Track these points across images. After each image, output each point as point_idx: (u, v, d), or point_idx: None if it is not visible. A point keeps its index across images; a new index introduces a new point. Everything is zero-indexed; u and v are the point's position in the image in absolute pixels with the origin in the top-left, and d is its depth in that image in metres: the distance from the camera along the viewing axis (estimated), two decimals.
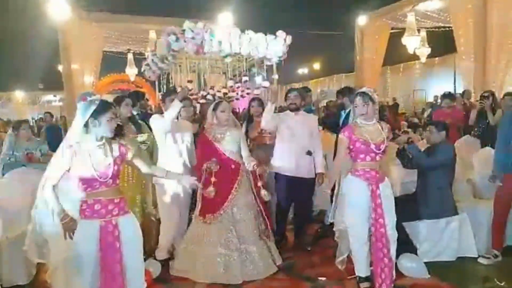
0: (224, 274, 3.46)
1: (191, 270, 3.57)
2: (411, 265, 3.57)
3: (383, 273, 3.19)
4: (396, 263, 3.40)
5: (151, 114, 4.76)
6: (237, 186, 3.65)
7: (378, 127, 3.22)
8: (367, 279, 3.34)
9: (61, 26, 10.16)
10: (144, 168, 2.76)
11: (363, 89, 3.29)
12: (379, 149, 3.17)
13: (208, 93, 4.82)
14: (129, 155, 2.62)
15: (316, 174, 4.18)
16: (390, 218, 3.20)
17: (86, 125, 2.45)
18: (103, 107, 2.45)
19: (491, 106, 5.78)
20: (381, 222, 3.16)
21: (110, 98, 4.54)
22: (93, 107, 2.42)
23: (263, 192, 3.62)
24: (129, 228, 2.53)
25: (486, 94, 5.90)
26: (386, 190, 3.24)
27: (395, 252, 3.27)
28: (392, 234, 3.21)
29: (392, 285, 3.22)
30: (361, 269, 3.34)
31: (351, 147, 3.23)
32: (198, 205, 3.68)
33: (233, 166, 3.68)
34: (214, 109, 3.72)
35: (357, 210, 3.23)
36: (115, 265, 2.45)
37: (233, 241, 3.53)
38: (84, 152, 2.43)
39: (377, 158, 3.21)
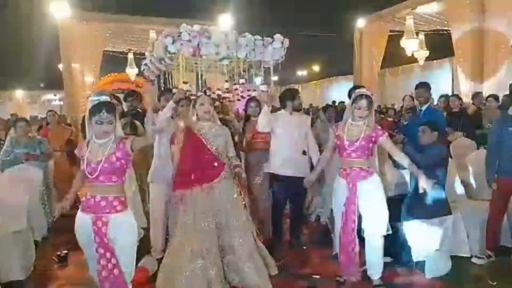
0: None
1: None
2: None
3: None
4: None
5: (142, 113, 4.88)
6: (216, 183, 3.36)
7: (363, 126, 3.19)
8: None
9: (62, 26, 10.20)
10: (141, 141, 2.74)
11: (368, 92, 3.24)
12: (353, 146, 3.14)
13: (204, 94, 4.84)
14: (128, 145, 2.56)
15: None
16: (369, 216, 3.20)
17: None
18: (92, 110, 2.49)
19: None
20: (352, 218, 3.17)
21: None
22: (89, 109, 2.52)
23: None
24: (121, 227, 2.52)
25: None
26: (368, 188, 3.18)
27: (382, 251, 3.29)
28: (370, 234, 3.22)
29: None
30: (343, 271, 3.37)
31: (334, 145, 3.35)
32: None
33: (215, 164, 3.40)
34: (193, 105, 3.48)
35: (338, 209, 3.29)
36: (107, 262, 2.50)
37: (213, 252, 3.21)
38: (91, 147, 2.55)
39: (353, 155, 3.17)
